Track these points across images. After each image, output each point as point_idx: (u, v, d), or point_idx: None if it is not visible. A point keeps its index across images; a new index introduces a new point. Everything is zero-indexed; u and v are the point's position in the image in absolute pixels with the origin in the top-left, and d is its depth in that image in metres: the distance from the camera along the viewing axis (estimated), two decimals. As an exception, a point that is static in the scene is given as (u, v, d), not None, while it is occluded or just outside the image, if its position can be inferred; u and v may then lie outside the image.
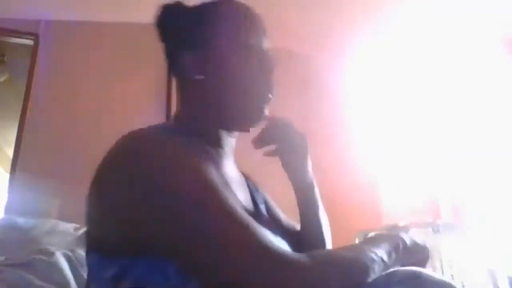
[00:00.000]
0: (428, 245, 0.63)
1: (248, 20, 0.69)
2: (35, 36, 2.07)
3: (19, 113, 1.97)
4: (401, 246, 0.58)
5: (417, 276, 0.43)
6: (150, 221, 0.49)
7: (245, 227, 0.48)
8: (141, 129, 0.58)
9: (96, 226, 0.56)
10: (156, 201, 0.49)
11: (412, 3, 2.13)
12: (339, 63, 2.67)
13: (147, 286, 0.51)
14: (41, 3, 2.06)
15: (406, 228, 1.86)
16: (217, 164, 0.67)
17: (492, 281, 1.60)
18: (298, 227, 0.87)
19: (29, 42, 2.08)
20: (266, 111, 0.69)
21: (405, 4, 2.14)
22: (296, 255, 0.49)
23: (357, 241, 1.87)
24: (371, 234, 1.98)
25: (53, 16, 2.12)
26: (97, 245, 0.55)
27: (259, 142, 0.78)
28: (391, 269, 0.46)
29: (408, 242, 0.60)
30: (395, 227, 1.95)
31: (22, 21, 2.06)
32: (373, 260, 0.51)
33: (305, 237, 0.81)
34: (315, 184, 0.85)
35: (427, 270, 0.44)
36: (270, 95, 0.69)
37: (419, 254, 0.61)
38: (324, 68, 2.67)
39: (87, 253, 0.58)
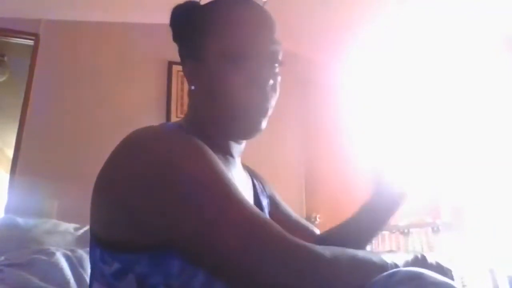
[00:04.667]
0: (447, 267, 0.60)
1: (246, 24, 0.63)
2: (35, 36, 2.07)
3: (19, 113, 1.97)
4: (420, 260, 0.57)
5: (419, 277, 0.43)
6: (162, 208, 0.49)
7: (259, 218, 0.49)
8: (146, 127, 0.58)
9: (101, 220, 0.56)
10: (169, 188, 0.49)
11: (411, 3, 2.13)
12: (339, 65, 2.67)
13: (150, 283, 0.51)
14: (41, 3, 2.06)
15: (406, 228, 1.86)
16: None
17: (492, 281, 1.60)
18: (315, 230, 0.85)
19: (30, 42, 2.08)
20: (263, 124, 0.65)
21: (405, 5, 2.14)
22: (315, 247, 0.49)
23: (357, 241, 1.87)
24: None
25: (53, 16, 2.12)
26: (101, 240, 0.55)
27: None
28: (393, 270, 0.46)
29: (430, 260, 0.59)
30: (395, 227, 1.95)
31: (23, 21, 2.06)
32: (386, 264, 0.52)
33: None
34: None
35: (428, 271, 0.44)
36: (266, 108, 0.64)
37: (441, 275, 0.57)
38: (323, 69, 2.67)
39: (91, 248, 0.58)
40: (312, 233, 0.82)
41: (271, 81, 0.63)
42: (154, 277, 0.51)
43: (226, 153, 0.69)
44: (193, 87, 0.67)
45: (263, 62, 0.63)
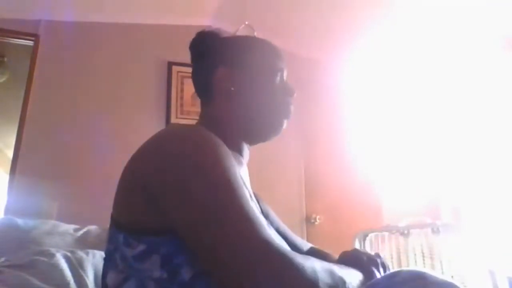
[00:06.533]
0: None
1: (274, 50, 0.80)
2: (35, 37, 2.07)
3: (19, 114, 1.97)
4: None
5: (422, 277, 0.43)
6: (175, 200, 0.53)
7: (257, 223, 0.51)
8: (179, 124, 0.62)
9: (127, 207, 0.59)
10: (182, 182, 0.53)
11: (412, 4, 2.13)
12: (339, 65, 2.67)
13: (174, 262, 0.54)
14: (41, 4, 2.06)
15: (406, 229, 1.86)
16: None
17: (492, 281, 1.60)
18: (306, 247, 0.89)
19: (29, 43, 2.07)
20: (285, 125, 0.79)
21: (405, 7, 2.14)
22: (295, 254, 0.50)
23: (357, 241, 1.87)
24: (371, 234, 1.99)
25: (53, 16, 2.12)
26: (126, 224, 0.58)
27: None
28: (395, 270, 0.46)
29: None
30: (394, 228, 1.95)
31: (22, 21, 2.06)
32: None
33: None
34: None
35: (431, 271, 0.45)
36: (290, 113, 0.78)
37: None
38: (323, 69, 2.67)
39: (112, 235, 0.61)
40: (300, 250, 0.86)
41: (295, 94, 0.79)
42: (178, 256, 0.54)
43: (240, 156, 0.76)
44: (232, 88, 0.74)
45: (289, 82, 0.80)
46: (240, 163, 0.75)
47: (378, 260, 0.66)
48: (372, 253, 0.70)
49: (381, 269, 0.65)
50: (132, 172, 0.59)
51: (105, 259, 0.62)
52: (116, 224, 0.60)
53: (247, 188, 0.67)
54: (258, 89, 0.75)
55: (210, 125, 0.73)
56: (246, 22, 0.89)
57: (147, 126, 2.09)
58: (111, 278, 0.58)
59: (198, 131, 0.59)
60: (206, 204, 0.51)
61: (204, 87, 0.78)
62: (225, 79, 0.74)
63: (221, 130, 0.70)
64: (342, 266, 0.58)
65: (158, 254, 0.54)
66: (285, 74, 0.81)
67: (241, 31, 0.85)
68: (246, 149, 0.78)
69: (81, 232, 1.33)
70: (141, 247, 0.55)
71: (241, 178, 0.63)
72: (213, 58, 0.77)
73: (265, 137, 0.79)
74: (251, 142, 0.79)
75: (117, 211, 0.61)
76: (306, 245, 0.89)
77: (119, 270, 0.57)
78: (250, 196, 0.67)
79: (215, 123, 0.74)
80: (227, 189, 0.53)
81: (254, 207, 0.55)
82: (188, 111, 2.23)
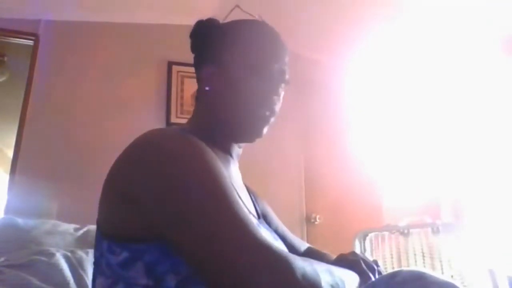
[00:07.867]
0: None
1: (267, 43, 0.73)
2: (35, 37, 2.07)
3: (19, 113, 1.96)
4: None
5: (422, 277, 0.44)
6: (160, 206, 0.51)
7: (246, 223, 0.50)
8: (159, 128, 0.62)
9: (111, 215, 0.58)
10: (168, 187, 0.52)
11: (412, 6, 2.13)
12: (339, 65, 2.67)
13: (158, 270, 0.53)
14: (41, 3, 2.06)
15: (406, 229, 1.86)
16: (224, 166, 0.68)
17: (492, 281, 1.60)
18: (303, 247, 0.88)
19: (29, 42, 2.07)
20: (265, 131, 0.73)
21: (406, 8, 2.14)
22: (294, 257, 0.50)
23: (357, 241, 1.86)
24: (371, 234, 1.99)
25: (53, 16, 2.12)
26: (109, 232, 0.57)
27: None
28: (395, 270, 0.46)
29: None
30: (394, 228, 1.95)
31: (22, 21, 2.06)
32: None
33: None
34: None
35: (431, 271, 0.45)
36: (271, 118, 0.72)
37: None
38: (324, 69, 2.67)
39: (97, 242, 0.60)
40: (298, 250, 0.85)
41: (282, 93, 0.73)
42: (163, 264, 0.53)
43: (226, 153, 0.73)
44: (207, 88, 0.71)
45: (276, 77, 0.72)
46: (228, 162, 0.73)
47: (375, 267, 0.66)
48: (371, 257, 0.70)
49: (377, 276, 0.65)
50: (115, 179, 0.58)
51: (94, 264, 0.62)
52: (101, 231, 0.59)
53: (235, 189, 0.65)
54: (234, 92, 0.70)
55: (197, 123, 0.73)
56: (237, 5, 0.82)
57: (147, 126, 2.07)
58: (100, 283, 0.58)
59: (180, 136, 0.58)
60: (197, 211, 0.50)
61: (197, 82, 0.77)
62: (207, 77, 0.72)
63: (207, 129, 0.70)
64: (340, 267, 0.58)
65: (142, 261, 0.53)
66: (277, 67, 0.73)
67: (239, 16, 0.79)
68: (236, 148, 0.76)
69: (81, 231, 1.33)
70: (125, 254, 0.54)
71: (230, 179, 0.63)
72: (203, 54, 0.75)
73: (246, 139, 0.75)
74: (236, 142, 0.76)
75: (101, 218, 0.60)
76: (304, 245, 0.89)
77: (107, 276, 0.57)
78: (239, 196, 0.68)
79: (201, 121, 0.73)
80: (218, 194, 0.52)
81: (246, 209, 0.54)
82: (188, 110, 2.23)
